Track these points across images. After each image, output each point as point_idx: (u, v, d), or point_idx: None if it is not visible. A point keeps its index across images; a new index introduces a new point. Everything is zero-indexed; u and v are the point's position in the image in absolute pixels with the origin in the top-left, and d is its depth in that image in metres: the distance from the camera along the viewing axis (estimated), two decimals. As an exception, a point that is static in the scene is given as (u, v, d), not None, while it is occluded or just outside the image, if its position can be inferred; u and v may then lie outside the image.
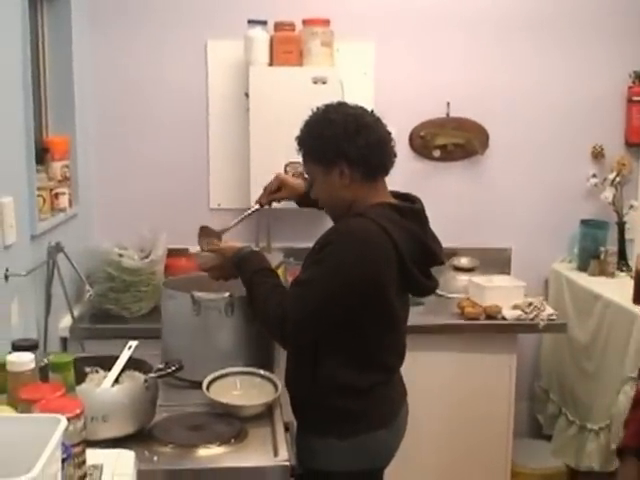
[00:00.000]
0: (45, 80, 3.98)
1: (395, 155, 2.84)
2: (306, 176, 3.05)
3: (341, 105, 2.85)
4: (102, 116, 4.55)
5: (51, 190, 3.57)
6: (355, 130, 2.72)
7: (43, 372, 2.19)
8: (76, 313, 3.73)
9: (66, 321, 3.73)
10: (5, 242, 2.75)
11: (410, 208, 2.84)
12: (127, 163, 4.63)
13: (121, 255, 3.97)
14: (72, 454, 1.66)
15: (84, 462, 1.69)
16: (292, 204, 3.39)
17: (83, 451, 1.74)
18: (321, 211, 3.04)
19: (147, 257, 4.04)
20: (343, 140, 2.71)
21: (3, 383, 2.05)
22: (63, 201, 3.65)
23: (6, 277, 2.72)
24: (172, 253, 4.27)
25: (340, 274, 2.64)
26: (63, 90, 4.05)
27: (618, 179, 4.65)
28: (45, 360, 2.26)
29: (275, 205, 3.42)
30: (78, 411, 1.73)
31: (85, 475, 1.72)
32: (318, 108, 2.85)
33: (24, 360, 2.03)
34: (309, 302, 2.65)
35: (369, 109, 2.85)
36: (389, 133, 2.82)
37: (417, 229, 2.81)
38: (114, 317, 3.98)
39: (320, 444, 2.83)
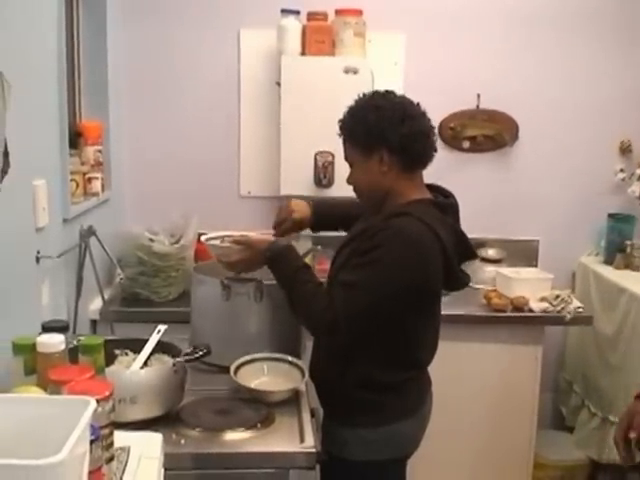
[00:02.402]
0: (80, 66, 4.01)
1: (435, 150, 2.83)
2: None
3: (389, 93, 2.84)
4: (136, 103, 4.58)
5: (84, 174, 3.59)
6: (400, 118, 2.71)
7: (73, 354, 2.20)
8: (106, 296, 3.77)
9: (96, 304, 3.76)
10: (37, 224, 2.76)
11: (450, 204, 2.85)
12: (159, 150, 4.66)
13: (152, 240, 4.00)
14: (100, 436, 1.67)
15: (112, 444, 1.71)
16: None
17: (111, 433, 1.76)
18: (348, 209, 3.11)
19: (177, 242, 4.07)
20: (387, 127, 2.70)
21: (33, 364, 2.09)
22: (96, 185, 3.66)
23: (37, 259, 2.74)
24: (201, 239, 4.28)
25: (391, 278, 2.63)
26: (97, 76, 4.08)
27: (645, 174, 4.64)
28: (75, 342, 2.27)
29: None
30: (107, 393, 1.74)
31: (113, 457, 1.73)
32: (364, 94, 2.85)
33: (54, 342, 2.05)
34: (360, 305, 2.63)
35: (415, 102, 2.84)
36: (432, 127, 2.82)
37: (455, 224, 2.83)
38: (143, 301, 4.02)
39: (348, 434, 2.85)
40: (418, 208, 2.73)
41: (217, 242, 3.08)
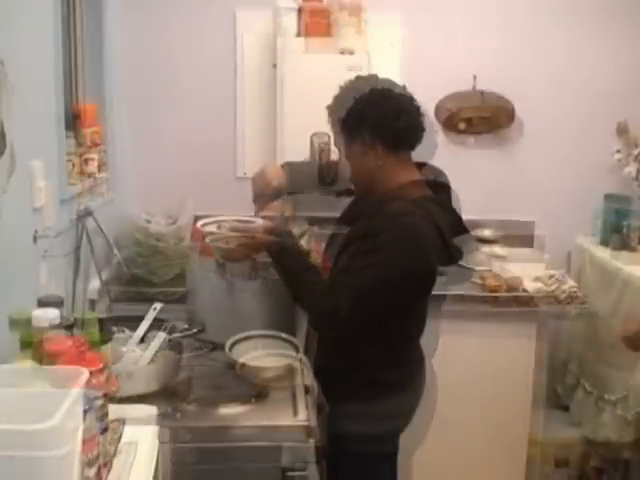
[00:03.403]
0: (76, 49, 4.01)
1: (423, 130, 2.86)
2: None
3: (370, 77, 2.97)
4: (133, 85, 4.59)
5: (81, 156, 3.60)
6: (379, 99, 2.81)
7: (69, 330, 2.22)
8: (104, 277, 3.79)
9: (94, 284, 3.78)
10: (34, 205, 2.79)
11: (441, 183, 2.90)
12: (156, 131, 4.68)
13: (149, 221, 4.03)
14: (94, 406, 1.69)
15: (106, 415, 1.74)
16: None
17: (105, 404, 1.79)
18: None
19: (174, 224, 4.10)
20: (365, 108, 2.79)
21: (29, 338, 2.12)
22: (93, 167, 3.68)
23: (35, 238, 2.76)
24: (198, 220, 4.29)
25: (393, 264, 2.66)
26: (94, 59, 4.08)
27: (642, 154, 4.66)
28: (71, 319, 2.29)
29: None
30: (101, 365, 1.78)
31: (107, 428, 1.76)
32: (348, 82, 2.97)
33: (49, 316, 2.08)
34: (362, 293, 2.66)
35: (398, 83, 2.94)
36: (417, 107, 2.86)
37: (447, 202, 2.88)
38: (141, 281, 4.01)
39: (351, 411, 2.86)
40: (412, 192, 2.78)
41: (213, 228, 3.09)
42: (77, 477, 1.42)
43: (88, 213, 3.43)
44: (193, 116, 4.69)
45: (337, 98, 2.93)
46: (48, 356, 1.89)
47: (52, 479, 1.34)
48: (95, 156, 3.72)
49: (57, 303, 2.22)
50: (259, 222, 3.10)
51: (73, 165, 3.51)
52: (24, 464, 1.32)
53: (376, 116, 2.78)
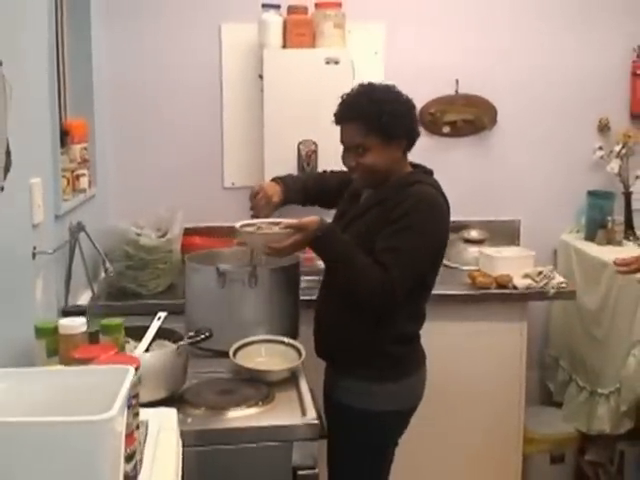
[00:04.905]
0: (64, 64, 4.04)
1: None
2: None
3: (393, 87, 3.13)
4: (118, 99, 4.62)
5: (72, 172, 3.62)
6: (413, 112, 3.11)
7: (92, 338, 2.32)
8: (91, 292, 3.82)
9: (83, 299, 3.77)
10: (33, 221, 2.79)
11: (431, 170, 3.19)
12: (142, 145, 4.70)
13: (139, 234, 4.05)
14: (132, 404, 1.73)
15: (138, 414, 1.78)
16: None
17: (137, 403, 1.82)
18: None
19: (164, 236, 4.12)
20: (410, 121, 3.08)
21: (55, 346, 2.19)
22: (83, 182, 3.71)
23: (33, 255, 2.77)
24: (186, 231, 4.31)
25: (428, 239, 2.98)
26: (81, 74, 4.10)
27: (624, 151, 4.73)
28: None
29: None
30: (135, 365, 1.83)
31: (139, 426, 1.79)
32: (373, 86, 3.10)
33: (76, 323, 2.17)
34: (410, 267, 2.92)
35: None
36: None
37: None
38: (131, 294, 4.02)
39: (371, 387, 3.07)
40: (424, 177, 3.10)
41: (252, 229, 3.14)
42: (121, 471, 1.47)
43: (81, 228, 3.46)
44: (180, 128, 4.71)
45: (379, 105, 3.00)
46: (78, 362, 1.94)
47: (104, 471, 1.39)
48: (86, 172, 3.76)
49: (80, 312, 2.30)
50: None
51: (68, 181, 3.55)
52: (81, 455, 1.38)
53: (413, 122, 3.09)
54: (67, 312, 2.37)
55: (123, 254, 4.01)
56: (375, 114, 2.98)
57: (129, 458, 1.59)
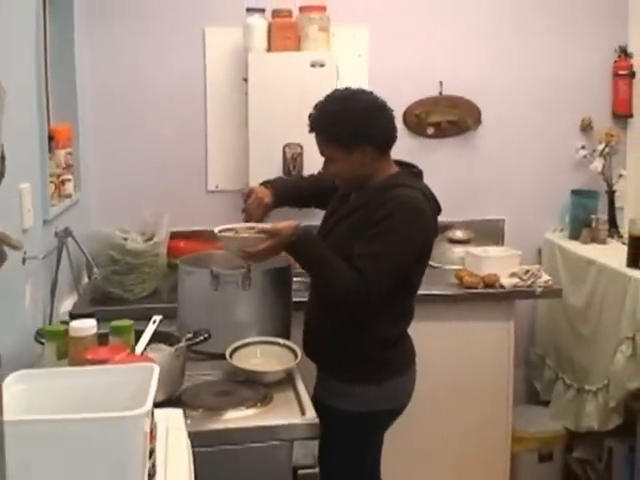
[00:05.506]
0: (47, 69, 4.02)
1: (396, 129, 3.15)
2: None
3: (356, 91, 3.10)
4: (101, 104, 4.61)
5: (58, 177, 3.64)
6: (375, 115, 3.03)
7: (101, 340, 2.33)
8: (78, 296, 3.82)
9: (67, 305, 3.73)
10: (23, 226, 2.81)
11: (419, 171, 3.19)
12: (126, 149, 4.69)
13: (125, 238, 4.03)
14: None
15: (153, 413, 1.81)
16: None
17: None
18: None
19: (150, 240, 4.11)
20: (369, 125, 3.00)
21: (64, 349, 2.20)
22: (69, 187, 3.73)
23: (24, 260, 2.77)
24: (170, 235, 4.23)
25: (408, 243, 2.97)
26: (64, 79, 4.10)
27: (607, 150, 4.77)
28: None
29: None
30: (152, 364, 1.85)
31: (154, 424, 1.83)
32: (333, 94, 3.11)
33: (86, 326, 2.19)
34: (387, 273, 2.92)
35: (369, 91, 3.15)
36: (393, 111, 3.11)
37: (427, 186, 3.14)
38: (116, 299, 3.98)
39: (353, 390, 3.09)
40: (406, 179, 3.07)
41: (231, 234, 3.17)
42: (147, 468, 1.48)
43: (68, 233, 3.45)
44: (163, 131, 4.71)
45: (331, 115, 3.03)
46: (90, 363, 1.95)
47: (136, 467, 1.40)
48: (71, 177, 3.76)
49: (88, 315, 2.31)
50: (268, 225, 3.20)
51: (55, 186, 3.55)
52: (114, 450, 1.39)
53: (374, 129, 3.02)
54: (76, 315, 2.35)
55: (108, 259, 3.98)
56: (327, 126, 3.03)
57: (149, 455, 1.60)
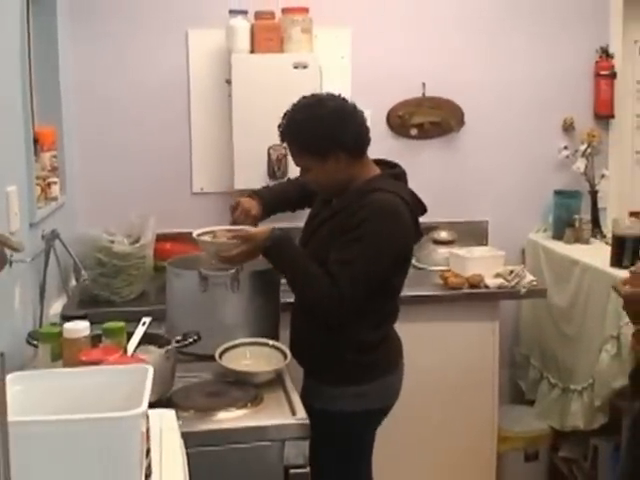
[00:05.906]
0: (31, 71, 4.00)
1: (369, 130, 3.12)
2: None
3: (322, 98, 3.08)
4: (84, 106, 4.59)
5: (44, 179, 3.62)
6: (343, 120, 2.99)
7: (97, 340, 2.36)
8: (66, 299, 3.81)
9: (55, 308, 3.73)
10: (10, 229, 2.80)
11: (400, 172, 3.17)
12: (110, 151, 4.67)
13: (112, 241, 4.02)
14: None
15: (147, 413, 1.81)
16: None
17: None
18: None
19: (136, 242, 4.09)
20: (338, 132, 2.96)
21: (59, 351, 2.21)
22: (55, 190, 3.71)
23: (10, 263, 2.77)
24: (156, 237, 4.24)
25: (383, 248, 2.94)
26: (48, 80, 4.08)
27: (589, 150, 4.80)
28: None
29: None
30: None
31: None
32: (298, 104, 3.07)
33: (80, 327, 2.19)
34: (361, 280, 2.90)
35: (337, 94, 3.12)
36: (363, 112, 3.09)
37: (409, 188, 3.13)
38: (103, 302, 3.98)
39: (339, 391, 3.10)
40: (384, 182, 3.03)
41: (208, 238, 3.18)
42: (144, 467, 1.48)
43: (55, 236, 3.44)
44: (147, 134, 4.70)
45: (299, 126, 3.02)
46: (84, 364, 1.95)
47: (134, 466, 1.40)
48: (57, 179, 3.75)
49: (81, 317, 2.31)
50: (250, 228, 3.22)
51: (42, 189, 3.54)
52: (113, 450, 1.39)
53: (345, 135, 2.98)
54: (68, 317, 2.37)
55: (95, 261, 3.96)
56: (295, 135, 3.03)
57: (146, 455, 1.61)
